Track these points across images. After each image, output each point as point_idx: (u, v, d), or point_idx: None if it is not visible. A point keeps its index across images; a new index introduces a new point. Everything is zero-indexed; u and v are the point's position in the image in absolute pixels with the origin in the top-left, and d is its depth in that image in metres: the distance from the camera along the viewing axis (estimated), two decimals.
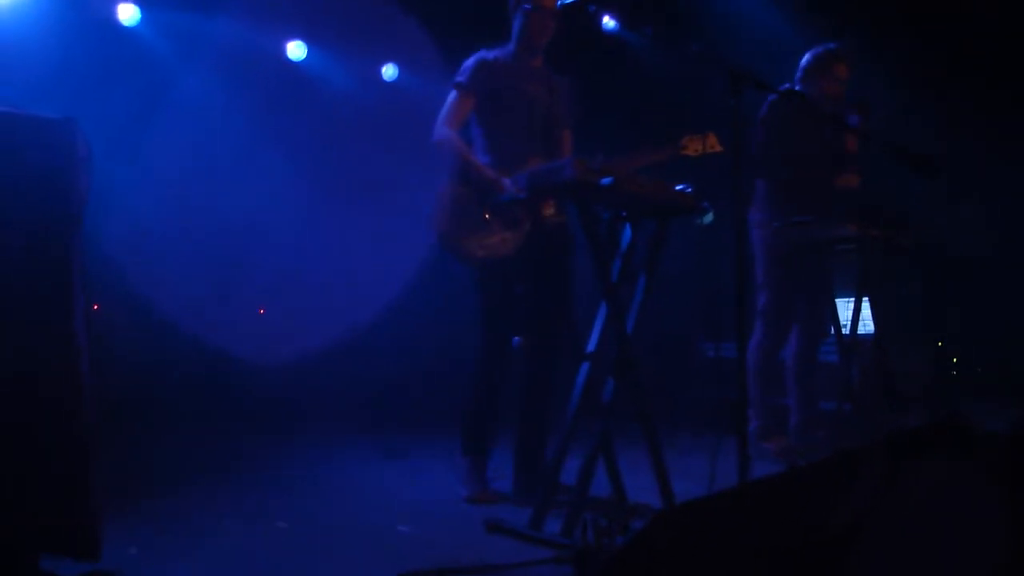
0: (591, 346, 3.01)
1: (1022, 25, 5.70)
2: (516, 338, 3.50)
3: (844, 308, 4.60)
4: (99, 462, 2.19)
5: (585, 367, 2.97)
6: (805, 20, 6.37)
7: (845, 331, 4.47)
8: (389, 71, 7.29)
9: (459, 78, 3.66)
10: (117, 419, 4.78)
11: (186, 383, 6.10)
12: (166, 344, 6.27)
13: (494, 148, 3.62)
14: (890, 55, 6.02)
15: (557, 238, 3.61)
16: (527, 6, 3.59)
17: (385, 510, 3.38)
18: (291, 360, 6.38)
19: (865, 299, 4.47)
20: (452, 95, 3.67)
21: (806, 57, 4.58)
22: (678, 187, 3.03)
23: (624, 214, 3.14)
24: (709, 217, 3.06)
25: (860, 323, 4.46)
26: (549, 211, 3.54)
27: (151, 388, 5.84)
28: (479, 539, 2.91)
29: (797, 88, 4.55)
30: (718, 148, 3.38)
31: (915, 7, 6.07)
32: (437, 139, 3.62)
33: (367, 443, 5.01)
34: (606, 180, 2.74)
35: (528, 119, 3.66)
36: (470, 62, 3.68)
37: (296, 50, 7.06)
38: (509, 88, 3.65)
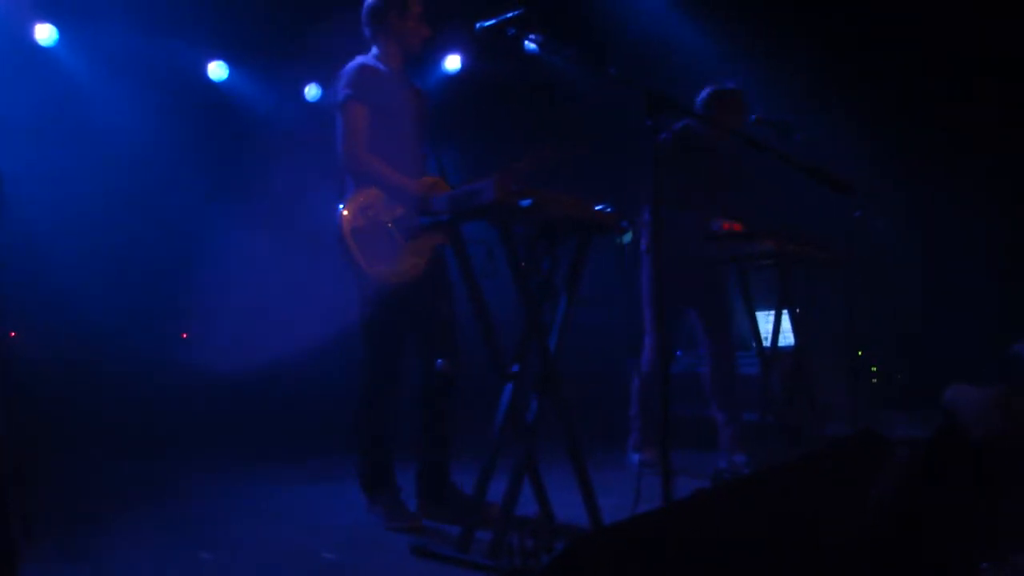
0: (515, 366, 3.01)
1: (934, 45, 5.90)
2: (440, 360, 3.45)
3: (765, 321, 4.70)
4: (13, 499, 2.12)
5: (509, 387, 2.97)
6: (722, 37, 6.55)
7: (766, 344, 4.58)
8: (312, 91, 7.25)
9: (348, 90, 3.46)
10: (34, 451, 4.66)
11: (104, 411, 5.93)
12: (82, 371, 6.10)
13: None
14: (804, 72, 6.18)
15: (443, 260, 3.61)
16: (401, 13, 3.54)
17: (310, 536, 3.34)
18: (211, 384, 6.27)
19: (785, 312, 4.59)
20: (348, 109, 3.45)
21: (707, 92, 4.72)
22: (598, 207, 3.06)
23: (545, 233, 3.15)
24: (628, 236, 3.10)
25: (780, 335, 4.57)
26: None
27: (68, 417, 5.68)
28: (405, 564, 2.89)
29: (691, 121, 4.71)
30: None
31: (826, 25, 6.26)
32: (364, 164, 3.41)
33: (291, 467, 4.95)
34: (525, 201, 2.75)
35: (412, 134, 3.56)
36: (353, 69, 3.50)
37: (217, 70, 6.98)
38: (394, 100, 3.52)
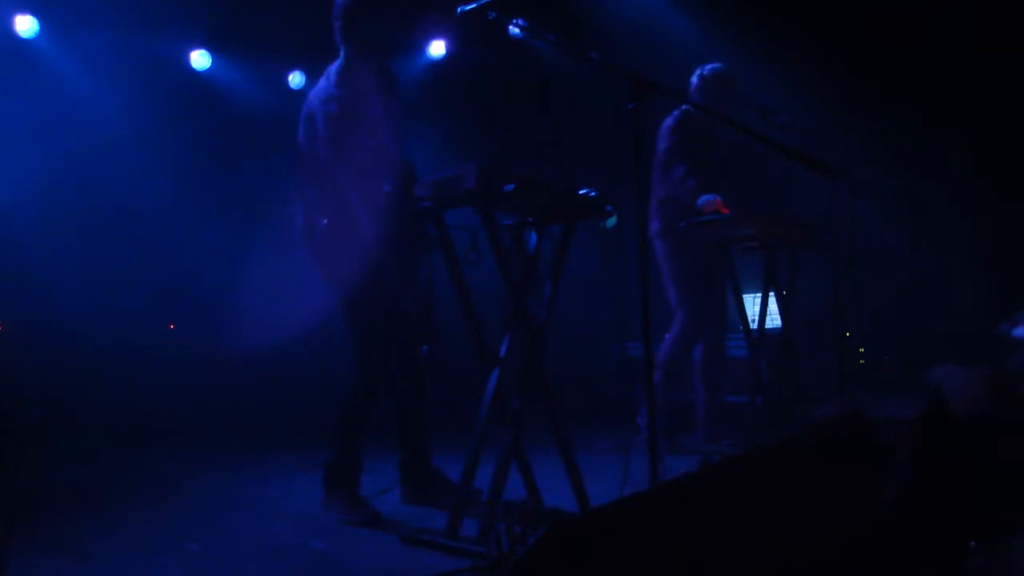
0: (500, 352, 3.00)
1: (921, 33, 5.91)
2: (424, 348, 3.46)
3: (752, 304, 4.71)
4: None
5: (495, 372, 2.96)
6: (711, 23, 6.54)
7: (753, 327, 4.59)
8: (296, 79, 7.21)
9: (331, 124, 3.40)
10: (18, 443, 4.63)
11: (86, 401, 5.89)
12: (68, 364, 6.06)
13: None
14: (790, 60, 6.18)
15: (421, 255, 3.60)
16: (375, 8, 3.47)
17: (299, 526, 3.34)
18: (196, 374, 6.24)
19: (771, 295, 4.60)
20: (332, 141, 3.41)
21: (703, 72, 4.77)
22: (582, 191, 3.05)
23: (529, 220, 3.14)
24: (613, 220, 3.09)
25: (767, 318, 4.58)
26: None
27: (53, 410, 5.64)
28: (395, 551, 2.90)
29: (691, 104, 4.73)
30: None
31: (814, 14, 6.25)
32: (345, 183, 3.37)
33: (278, 457, 4.93)
34: (508, 187, 2.74)
35: (390, 130, 3.53)
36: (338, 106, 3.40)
37: (200, 59, 6.93)
38: (379, 112, 3.48)
